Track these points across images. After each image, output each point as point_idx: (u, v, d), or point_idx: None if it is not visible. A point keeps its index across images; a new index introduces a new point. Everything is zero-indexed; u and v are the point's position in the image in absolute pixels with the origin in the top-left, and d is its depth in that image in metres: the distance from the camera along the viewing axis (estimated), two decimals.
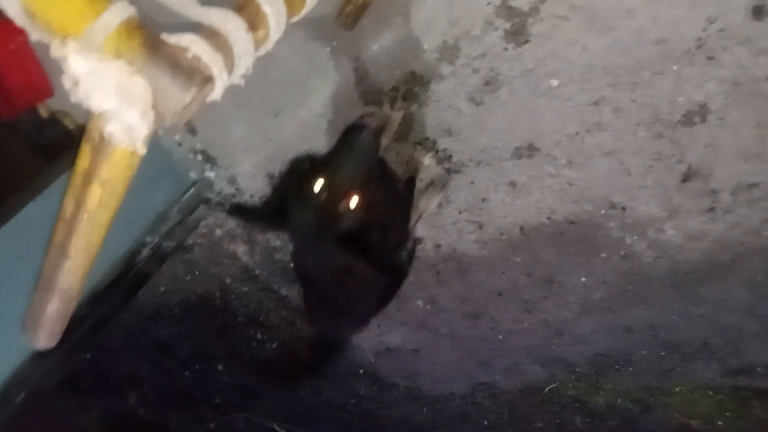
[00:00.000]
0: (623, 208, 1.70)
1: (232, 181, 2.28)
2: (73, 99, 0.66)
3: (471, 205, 1.90)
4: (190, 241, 2.58)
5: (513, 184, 1.78)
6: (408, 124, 1.76)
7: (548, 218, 1.82)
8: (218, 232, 2.54)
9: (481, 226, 1.94)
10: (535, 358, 2.41)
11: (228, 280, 2.77)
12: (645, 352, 2.15)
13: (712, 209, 1.60)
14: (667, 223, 1.69)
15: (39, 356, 1.83)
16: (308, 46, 1.71)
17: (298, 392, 3.35)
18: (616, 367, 2.26)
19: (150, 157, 0.72)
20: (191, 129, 2.18)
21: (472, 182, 1.83)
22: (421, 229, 2.04)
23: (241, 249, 2.60)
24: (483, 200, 1.86)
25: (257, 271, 2.65)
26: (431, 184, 1.80)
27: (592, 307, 2.05)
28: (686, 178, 1.55)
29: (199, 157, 2.25)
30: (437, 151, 1.79)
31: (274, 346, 3.07)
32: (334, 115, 1.85)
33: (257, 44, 0.77)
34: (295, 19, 0.88)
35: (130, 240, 2.14)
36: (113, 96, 0.64)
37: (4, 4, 0.67)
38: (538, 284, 2.05)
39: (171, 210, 2.25)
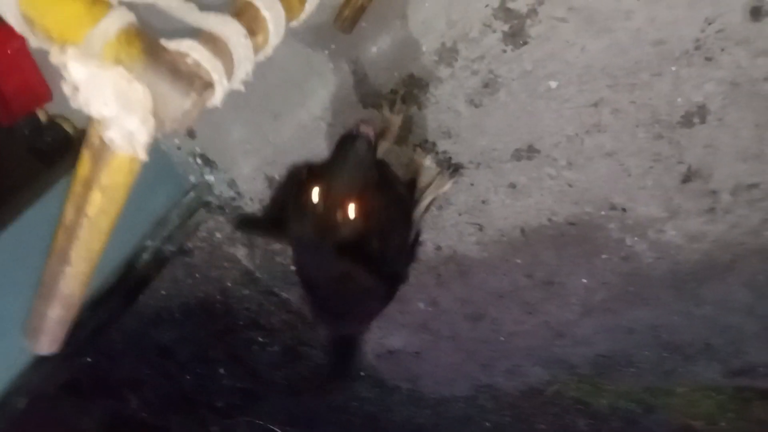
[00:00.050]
0: (623, 209, 1.70)
1: (231, 184, 2.28)
2: (73, 105, 0.66)
3: (471, 207, 1.90)
4: (190, 245, 2.59)
5: (513, 185, 1.78)
6: (407, 127, 1.76)
7: (548, 220, 1.82)
8: (218, 235, 2.54)
9: (481, 228, 1.95)
10: (536, 360, 2.41)
11: (228, 284, 2.77)
12: (646, 352, 2.15)
13: (712, 210, 1.60)
14: (667, 224, 1.69)
15: (40, 361, 1.84)
16: (306, 49, 1.71)
17: (300, 395, 3.35)
18: (618, 368, 2.26)
19: (149, 160, 0.72)
20: (190, 132, 2.18)
21: (471, 184, 1.83)
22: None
23: (241, 252, 2.60)
24: (483, 202, 1.86)
25: (258, 274, 2.65)
26: (440, 173, 1.79)
27: (593, 308, 2.05)
28: (686, 178, 1.56)
29: (199, 161, 2.25)
30: (437, 153, 1.79)
31: (276, 349, 3.07)
32: (333, 118, 1.85)
33: (257, 49, 0.78)
34: (295, 23, 0.88)
35: (130, 244, 2.15)
36: (113, 102, 0.64)
37: (3, 11, 0.67)
38: (539, 286, 2.05)
39: (171, 214, 2.25)
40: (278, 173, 2.13)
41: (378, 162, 1.42)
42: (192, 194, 2.31)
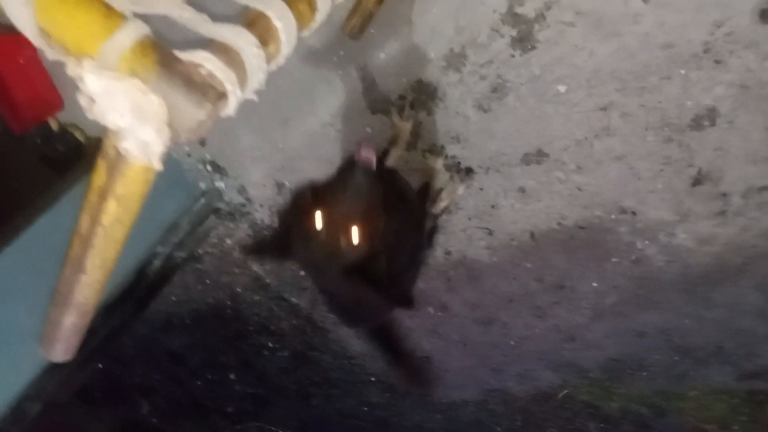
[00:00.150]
0: (633, 213, 1.70)
1: (241, 190, 2.30)
2: (89, 117, 0.67)
3: (481, 212, 1.90)
4: (200, 251, 2.60)
5: (522, 190, 1.78)
6: (416, 132, 1.76)
7: (558, 224, 1.82)
8: (228, 241, 2.55)
9: (491, 233, 1.95)
10: (547, 364, 2.41)
11: (239, 289, 2.78)
12: (658, 356, 2.14)
13: (722, 212, 1.59)
14: (677, 227, 1.68)
15: (53, 368, 1.85)
16: (315, 55, 1.72)
17: (310, 400, 3.35)
18: (629, 371, 2.26)
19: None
20: (201, 140, 2.19)
21: (481, 189, 1.83)
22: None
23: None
24: (492, 206, 1.87)
25: (268, 280, 2.66)
26: (451, 177, 1.79)
27: (603, 311, 2.04)
28: (696, 181, 1.55)
29: (209, 168, 2.27)
30: (446, 158, 1.79)
31: (286, 354, 3.08)
32: (342, 124, 1.86)
33: (269, 59, 0.78)
34: (306, 33, 0.88)
35: (141, 251, 2.16)
36: (129, 113, 0.65)
37: (21, 26, 0.69)
38: (549, 290, 2.05)
39: (181, 220, 2.26)
40: (288, 179, 2.14)
41: (387, 172, 1.41)
42: (202, 201, 2.32)
